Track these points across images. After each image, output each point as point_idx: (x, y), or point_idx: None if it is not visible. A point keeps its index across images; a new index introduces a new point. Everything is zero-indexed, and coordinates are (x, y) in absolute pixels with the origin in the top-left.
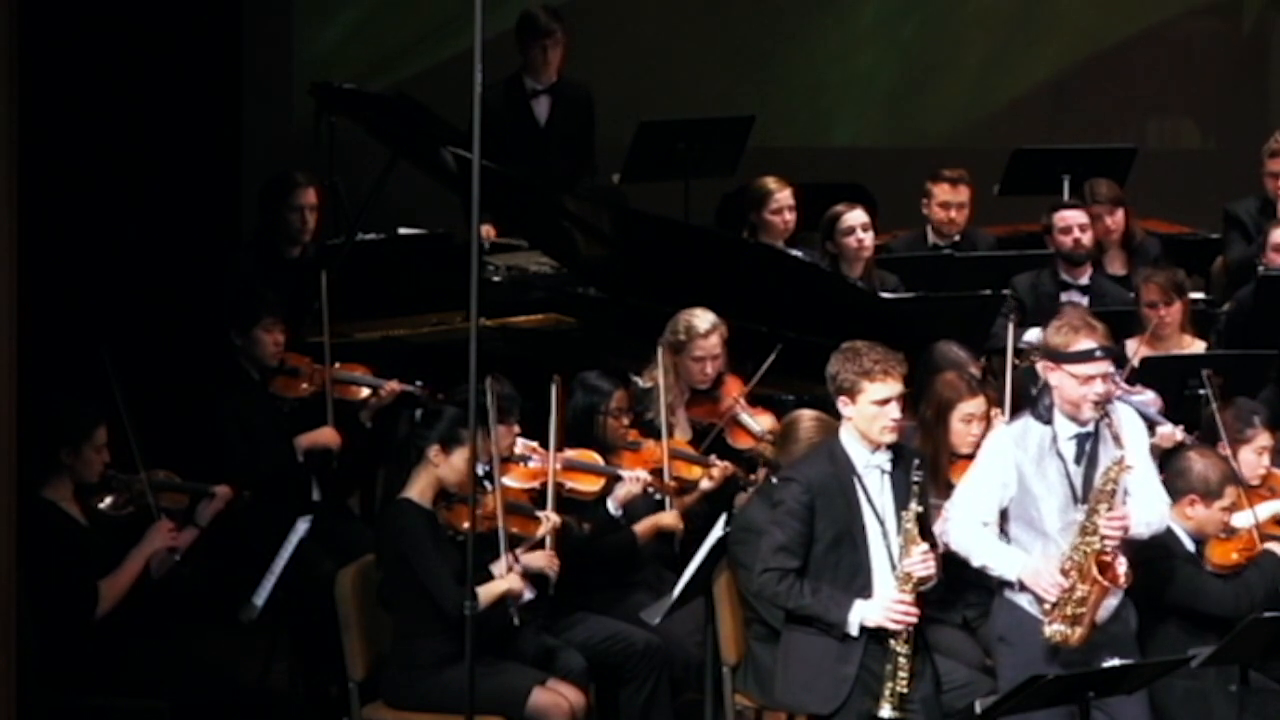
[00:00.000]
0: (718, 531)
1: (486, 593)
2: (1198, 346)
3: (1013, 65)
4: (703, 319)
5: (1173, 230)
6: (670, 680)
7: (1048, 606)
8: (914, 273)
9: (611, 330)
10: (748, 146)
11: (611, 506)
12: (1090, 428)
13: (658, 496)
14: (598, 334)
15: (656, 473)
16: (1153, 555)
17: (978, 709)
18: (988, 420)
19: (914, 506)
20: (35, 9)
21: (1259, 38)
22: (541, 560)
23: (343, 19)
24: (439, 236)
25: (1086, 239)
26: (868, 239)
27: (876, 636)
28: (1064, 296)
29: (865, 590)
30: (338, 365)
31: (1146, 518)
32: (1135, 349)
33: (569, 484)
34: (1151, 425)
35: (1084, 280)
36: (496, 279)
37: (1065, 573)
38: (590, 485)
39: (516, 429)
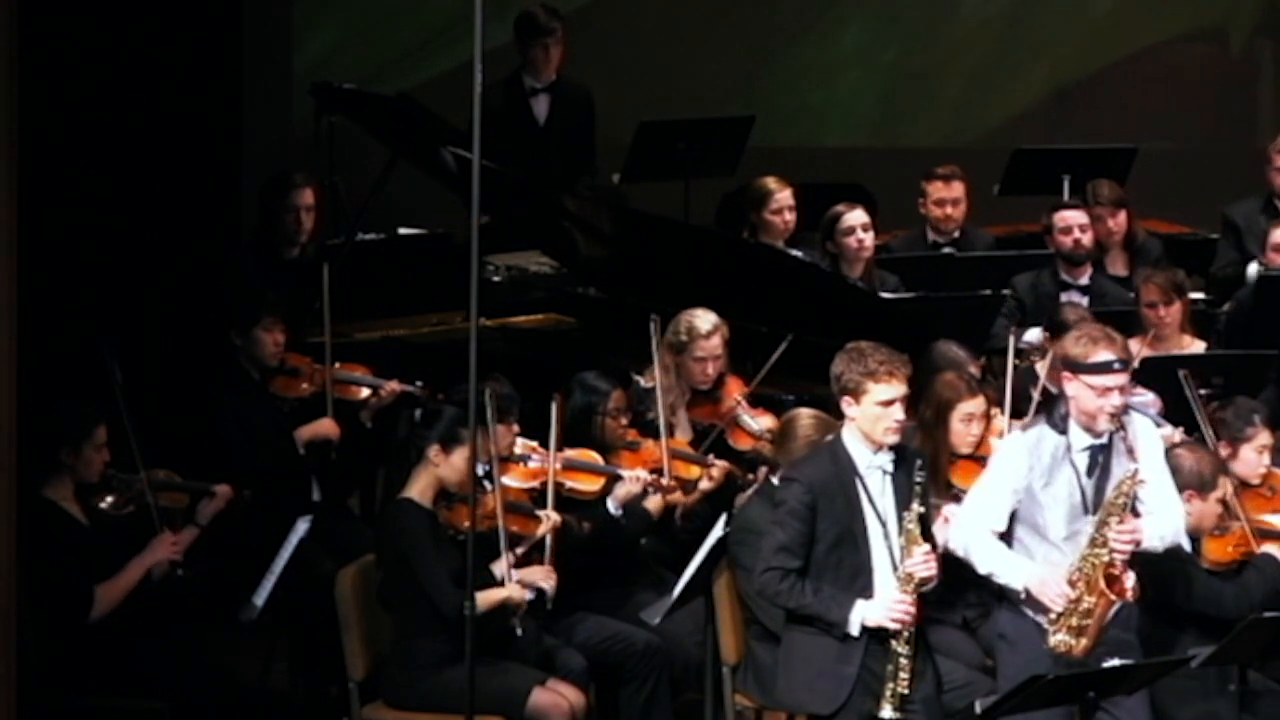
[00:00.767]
0: (718, 531)
1: (486, 599)
2: (1198, 346)
3: (1000, 87)
4: (704, 320)
5: (1173, 230)
6: (670, 680)
7: (1053, 616)
8: (914, 273)
9: (611, 330)
10: (748, 146)
11: (611, 506)
12: (1104, 439)
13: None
14: (598, 334)
15: (656, 473)
16: (1150, 555)
17: (978, 709)
18: (987, 420)
19: (916, 507)
20: (35, 9)
21: (1248, 62)
22: (539, 575)
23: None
24: (439, 236)
25: (1086, 239)
26: (868, 239)
27: (877, 637)
28: (1064, 297)
29: (866, 591)
30: (338, 365)
31: (1160, 531)
32: (1135, 349)
33: (569, 483)
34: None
35: (1084, 280)
36: (496, 279)
37: (1072, 583)
38: (590, 485)
39: (516, 429)
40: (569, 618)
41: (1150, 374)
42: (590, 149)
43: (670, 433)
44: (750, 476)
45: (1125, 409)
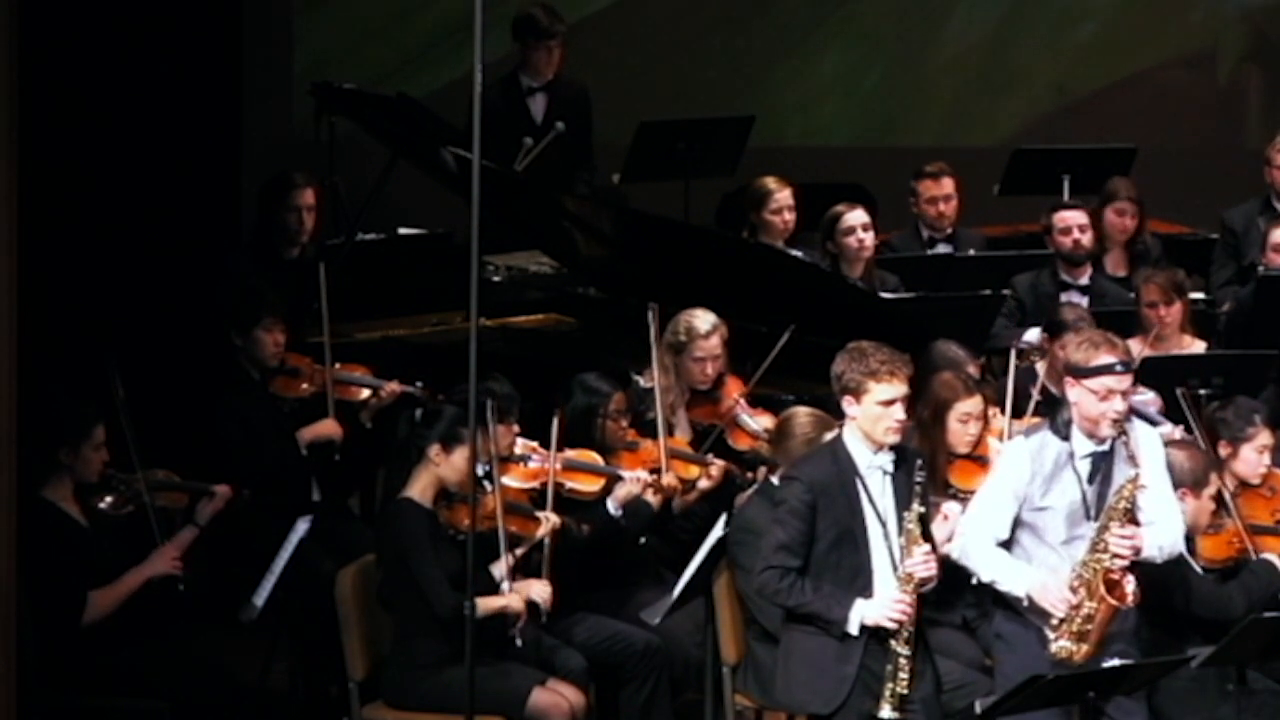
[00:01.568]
0: (718, 531)
1: (484, 605)
2: (1198, 346)
3: (979, 115)
4: (703, 320)
5: (1173, 230)
6: (670, 680)
7: (1055, 622)
8: (914, 273)
9: (611, 330)
10: (748, 146)
11: (611, 506)
12: (1106, 446)
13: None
14: (598, 334)
15: (655, 472)
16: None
17: (978, 709)
18: (985, 420)
19: (916, 507)
20: (35, 9)
21: (1235, 89)
22: (536, 589)
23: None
24: (439, 236)
25: (1086, 239)
26: (868, 239)
27: (877, 636)
28: (1064, 297)
29: (866, 590)
30: (338, 365)
31: (1160, 541)
32: (1136, 349)
33: (569, 484)
34: (1152, 425)
35: (1084, 280)
36: (496, 279)
37: (1073, 589)
38: (590, 485)
39: (516, 429)
40: (569, 618)
41: (1150, 374)
42: (588, 148)
43: (670, 433)
44: (750, 476)
45: (1128, 415)
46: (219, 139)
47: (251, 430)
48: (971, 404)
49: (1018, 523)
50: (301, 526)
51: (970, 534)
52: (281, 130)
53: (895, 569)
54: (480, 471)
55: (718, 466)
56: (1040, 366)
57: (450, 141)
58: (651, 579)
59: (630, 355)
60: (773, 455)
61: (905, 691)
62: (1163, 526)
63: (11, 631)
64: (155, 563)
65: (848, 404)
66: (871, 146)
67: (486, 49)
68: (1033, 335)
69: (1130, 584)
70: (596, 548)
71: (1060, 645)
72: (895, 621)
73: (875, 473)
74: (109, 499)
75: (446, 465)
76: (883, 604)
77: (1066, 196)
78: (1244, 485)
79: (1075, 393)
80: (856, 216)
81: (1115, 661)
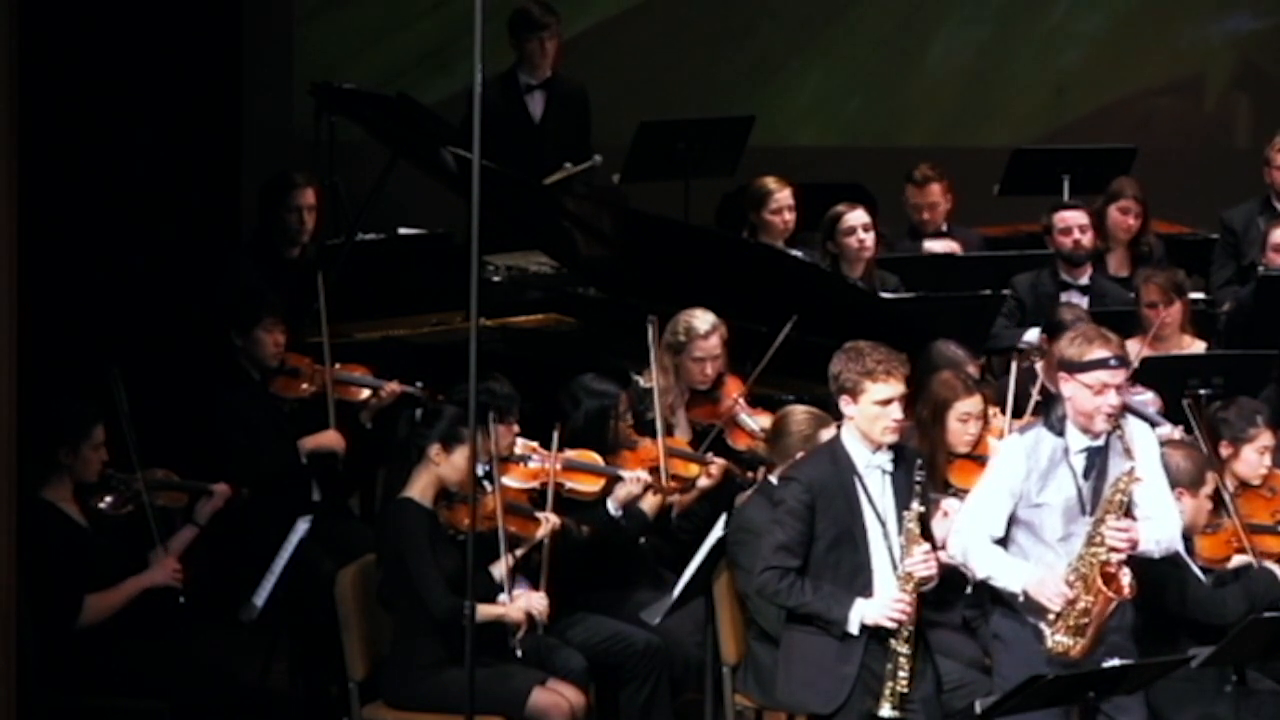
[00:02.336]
0: (718, 531)
1: (482, 613)
2: (1198, 346)
3: (963, 141)
4: (702, 320)
5: (1173, 230)
6: (670, 680)
7: (1051, 617)
8: (914, 273)
9: (611, 330)
10: (748, 146)
11: (611, 507)
12: (1101, 441)
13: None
14: (598, 334)
15: (654, 471)
16: (1146, 560)
17: (978, 709)
18: (985, 419)
19: (915, 506)
20: (35, 9)
21: (1222, 116)
22: (535, 603)
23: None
24: (439, 236)
25: (1086, 239)
26: (869, 239)
27: (877, 636)
28: (1064, 296)
29: (866, 590)
30: (338, 366)
31: (1157, 535)
32: (1135, 349)
33: (569, 484)
34: (1151, 425)
35: (1084, 280)
36: (496, 279)
37: (1069, 584)
38: (590, 485)
39: (516, 429)
40: (569, 618)
41: (1150, 374)
42: (586, 146)
43: (669, 433)
44: (750, 476)
45: (1123, 411)
46: (219, 139)
47: (251, 430)
48: (971, 403)
49: (1015, 521)
50: (301, 526)
51: (965, 531)
52: (282, 130)
53: (895, 569)
54: (480, 471)
55: (718, 466)
56: (1040, 366)
57: (450, 141)
58: (651, 579)
59: (630, 355)
60: (769, 454)
61: (905, 691)
62: (1159, 521)
63: (11, 631)
64: (155, 573)
65: (845, 404)
66: (871, 146)
67: (489, 65)
68: (1033, 335)
69: (1126, 576)
70: (596, 548)
71: (1056, 640)
72: (895, 621)
73: (874, 472)
74: (109, 499)
75: (447, 465)
76: (882, 604)
77: (1066, 196)
78: (1244, 485)
79: (1069, 387)
80: (857, 216)
81: (1115, 661)
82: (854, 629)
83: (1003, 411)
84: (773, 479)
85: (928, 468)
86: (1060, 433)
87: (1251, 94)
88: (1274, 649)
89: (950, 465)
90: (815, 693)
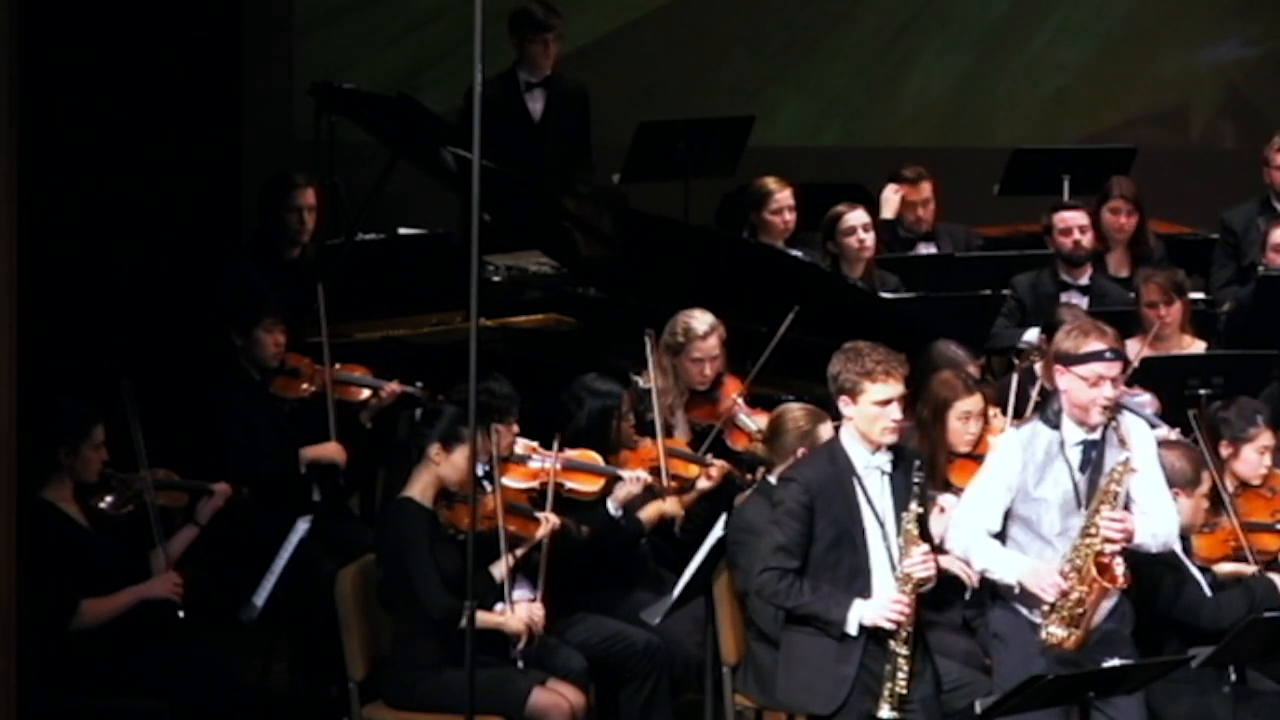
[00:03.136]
0: (718, 531)
1: (482, 620)
2: (1198, 346)
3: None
4: (701, 320)
5: (1173, 230)
6: (670, 680)
7: (1045, 608)
8: (914, 273)
9: (611, 330)
10: (748, 146)
11: (611, 507)
12: (1097, 434)
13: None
14: (598, 334)
15: (654, 472)
16: (1143, 554)
17: (978, 709)
18: (985, 419)
19: (914, 507)
20: (36, 12)
21: (1208, 146)
22: (534, 614)
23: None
24: (439, 236)
25: (1086, 240)
26: (869, 239)
27: (876, 637)
28: (1064, 297)
29: (865, 591)
30: (338, 366)
31: (1154, 529)
32: (1135, 349)
33: (569, 484)
34: (1151, 428)
35: (1084, 280)
36: (496, 279)
37: (1064, 575)
38: (590, 485)
39: (516, 428)
40: (568, 618)
41: (1150, 374)
42: (586, 145)
43: (669, 433)
44: (749, 477)
45: (1118, 405)
46: (220, 139)
47: (252, 430)
48: (971, 402)
49: (1012, 517)
50: (301, 526)
51: (962, 524)
52: (282, 130)
53: (894, 569)
54: (480, 471)
55: (717, 467)
56: (1040, 367)
57: (450, 141)
58: (651, 579)
59: (630, 355)
60: (767, 453)
61: (904, 691)
62: (1156, 516)
63: (12, 632)
64: (155, 585)
65: (844, 404)
66: (872, 146)
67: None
68: (1033, 335)
69: (1120, 565)
70: (596, 548)
71: (1051, 631)
72: (894, 622)
73: (873, 473)
74: (109, 499)
75: (447, 465)
76: (881, 604)
77: (1066, 196)
78: (1244, 485)
79: (1065, 380)
80: (857, 216)
81: (1115, 661)
82: (853, 630)
83: (1003, 412)
84: (772, 479)
85: (928, 467)
86: (1056, 426)
87: (1237, 123)
88: (1274, 649)
89: (951, 465)
90: (814, 694)
